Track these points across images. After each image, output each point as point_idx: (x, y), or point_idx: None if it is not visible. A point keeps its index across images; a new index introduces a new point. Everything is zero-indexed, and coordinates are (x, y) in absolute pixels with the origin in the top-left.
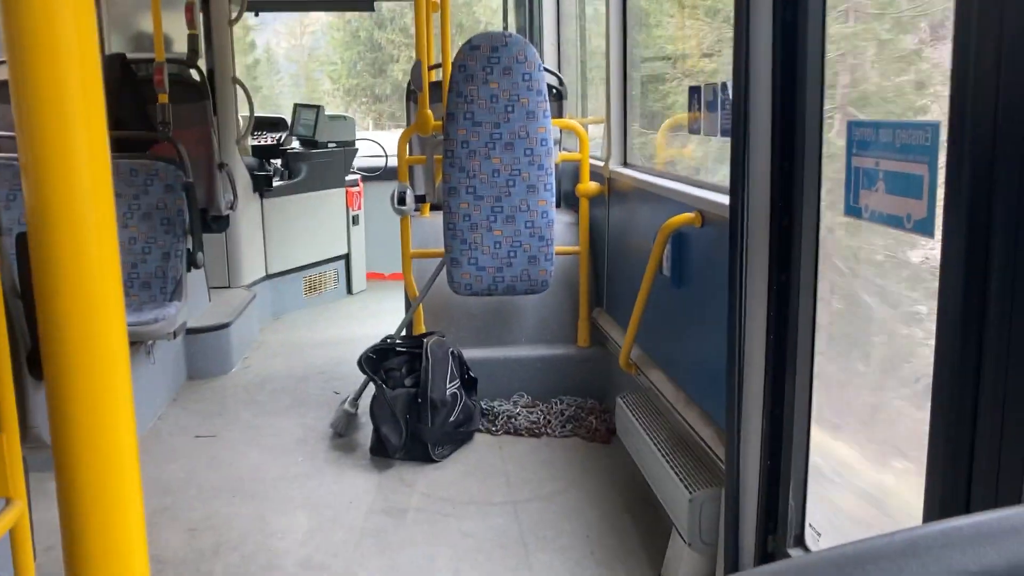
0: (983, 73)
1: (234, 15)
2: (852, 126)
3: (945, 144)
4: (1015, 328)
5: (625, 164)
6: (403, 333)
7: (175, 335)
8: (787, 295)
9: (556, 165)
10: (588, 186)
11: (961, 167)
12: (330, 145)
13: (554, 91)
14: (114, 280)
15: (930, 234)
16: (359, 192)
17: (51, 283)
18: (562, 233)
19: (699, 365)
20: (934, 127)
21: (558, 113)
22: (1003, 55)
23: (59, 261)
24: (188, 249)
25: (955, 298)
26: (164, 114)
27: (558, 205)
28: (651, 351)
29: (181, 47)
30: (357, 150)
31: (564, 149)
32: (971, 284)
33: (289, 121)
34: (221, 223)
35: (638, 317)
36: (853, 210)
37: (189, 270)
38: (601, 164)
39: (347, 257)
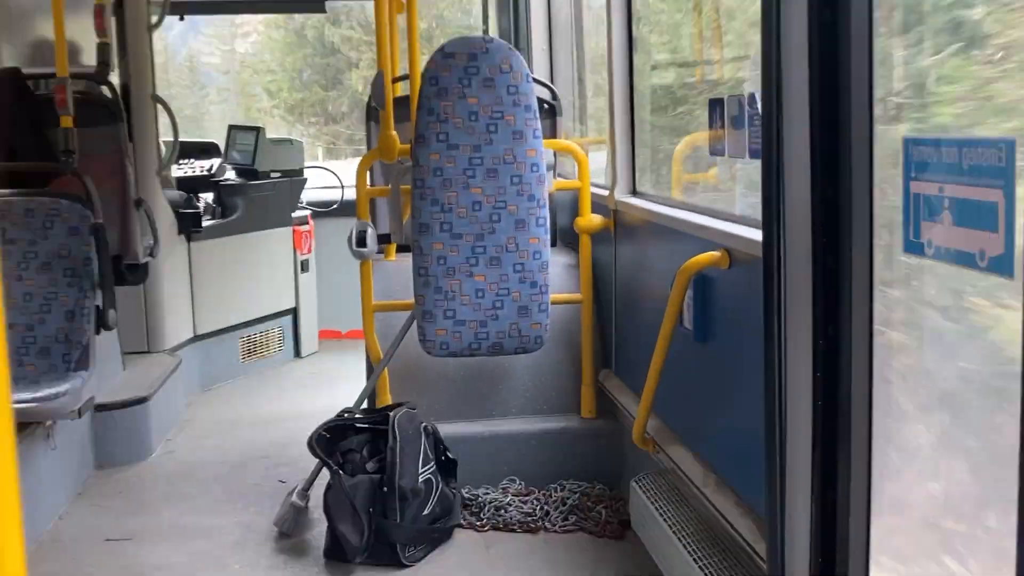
0: None
1: (154, 19)
2: (908, 144)
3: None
4: None
5: (634, 193)
6: (364, 405)
7: (80, 413)
8: (837, 352)
9: (550, 195)
10: (590, 220)
11: None
12: (273, 175)
13: (546, 106)
14: None
15: (1009, 273)
16: (309, 232)
17: None
18: (560, 278)
19: (732, 439)
20: (1009, 144)
21: (551, 133)
22: None
23: None
24: (97, 306)
25: None
26: (67, 141)
27: (554, 244)
28: (672, 423)
29: (90, 59)
30: (306, 180)
31: (559, 176)
32: None
33: (223, 146)
34: (138, 273)
35: (655, 381)
36: (913, 246)
37: (98, 332)
38: (605, 193)
39: (295, 312)
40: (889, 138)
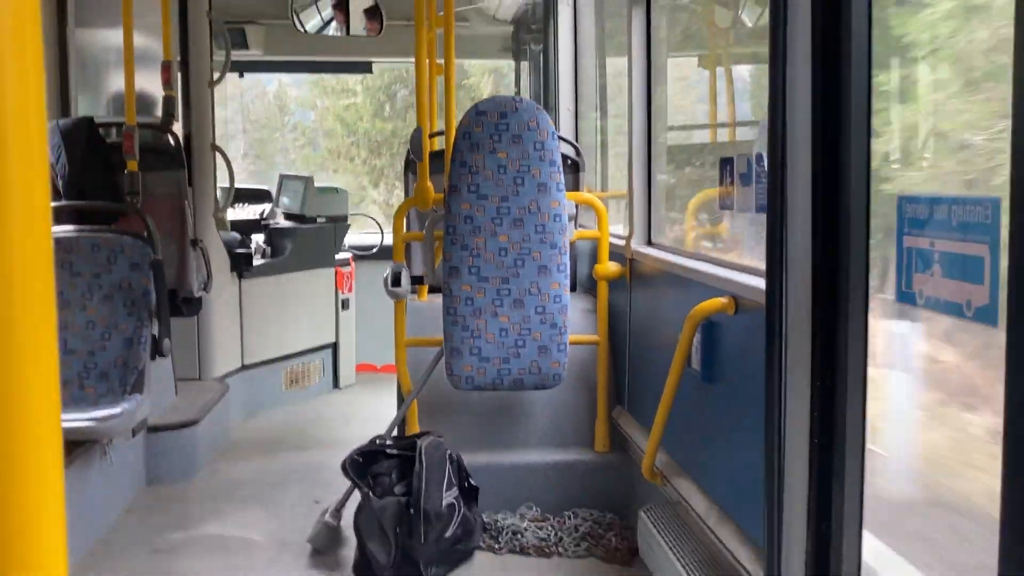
0: None
1: (216, 76)
2: (903, 202)
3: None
4: None
5: (649, 243)
6: (395, 433)
7: (134, 433)
8: (833, 395)
9: (571, 244)
10: (607, 267)
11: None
12: (319, 220)
13: (570, 162)
14: (50, 384)
15: (993, 323)
16: (350, 273)
17: None
18: (578, 321)
19: (735, 474)
20: (994, 203)
21: (574, 186)
22: None
23: None
24: (153, 335)
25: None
26: (133, 183)
27: (573, 288)
28: (679, 458)
29: (157, 110)
30: (349, 226)
31: (581, 226)
32: None
33: (274, 193)
34: (192, 306)
35: (664, 418)
36: (905, 296)
37: (154, 359)
38: (622, 243)
39: (335, 346)
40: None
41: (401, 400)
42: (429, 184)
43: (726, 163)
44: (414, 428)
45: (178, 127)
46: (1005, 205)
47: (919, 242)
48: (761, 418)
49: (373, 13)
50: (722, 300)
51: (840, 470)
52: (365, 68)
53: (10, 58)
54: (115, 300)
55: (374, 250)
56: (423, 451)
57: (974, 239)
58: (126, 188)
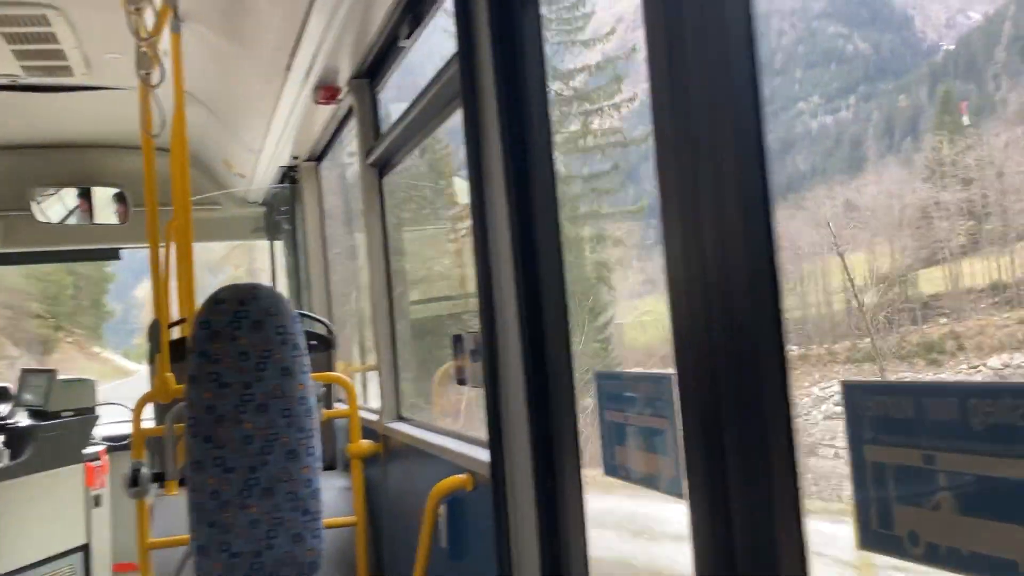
0: (699, 322)
1: None
2: (599, 378)
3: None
4: None
5: (399, 418)
6: None
7: None
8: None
9: (330, 420)
10: (359, 445)
11: (692, 420)
12: (64, 414)
13: (320, 341)
14: None
15: (678, 494)
16: (102, 467)
17: None
18: (335, 501)
19: None
20: (667, 378)
21: (327, 363)
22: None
23: None
24: None
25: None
26: None
27: (333, 467)
28: None
29: None
30: (97, 417)
31: (338, 401)
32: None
33: (14, 390)
34: None
35: None
36: (613, 469)
37: None
38: (376, 418)
39: (86, 548)
40: None
41: None
42: (170, 375)
43: (457, 339)
44: None
45: None
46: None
47: (617, 416)
48: None
49: (120, 200)
50: (461, 477)
51: None
52: (113, 255)
53: None
54: None
55: (129, 441)
56: None
57: (657, 413)
58: None
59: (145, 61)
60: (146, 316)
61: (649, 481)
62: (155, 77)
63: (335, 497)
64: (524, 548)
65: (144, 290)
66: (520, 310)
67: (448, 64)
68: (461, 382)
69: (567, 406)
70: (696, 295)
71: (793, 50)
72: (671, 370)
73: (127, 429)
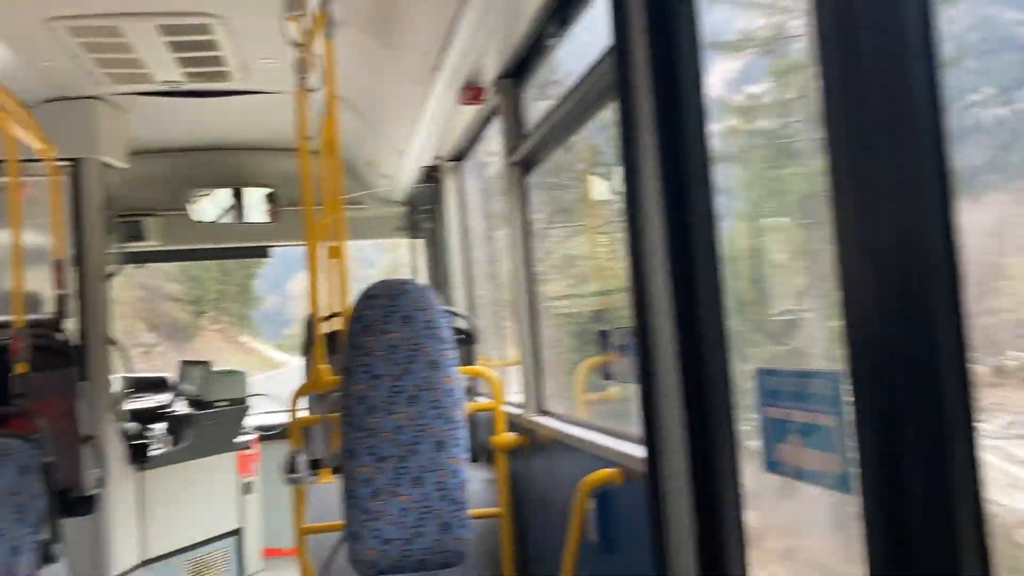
0: (874, 320)
1: (109, 270)
2: (762, 374)
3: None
4: None
5: (542, 412)
6: None
7: None
8: (720, 564)
9: (472, 414)
10: (504, 438)
11: (864, 418)
12: (219, 404)
13: (464, 335)
14: None
15: (847, 490)
16: (254, 455)
17: None
18: (480, 493)
19: None
20: (835, 375)
21: (468, 358)
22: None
23: None
24: (45, 540)
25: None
26: (23, 385)
27: (475, 459)
28: None
29: (48, 307)
30: (248, 407)
31: (479, 395)
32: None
33: (173, 380)
34: (85, 505)
35: None
36: (773, 466)
37: (42, 566)
38: (521, 412)
39: (239, 533)
40: None
41: None
42: (325, 367)
43: (604, 335)
44: None
45: (71, 323)
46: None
47: (777, 413)
48: None
49: (270, 200)
50: (610, 470)
51: None
52: (261, 253)
53: None
54: (2, 507)
55: (279, 431)
56: None
57: (822, 410)
58: (15, 390)
59: (301, 67)
60: (299, 309)
61: (813, 477)
62: (311, 82)
63: (479, 488)
64: (680, 545)
65: (297, 284)
66: (674, 305)
67: (600, 59)
68: (607, 377)
69: (724, 403)
70: (870, 291)
71: (965, 38)
72: (838, 367)
73: (275, 420)
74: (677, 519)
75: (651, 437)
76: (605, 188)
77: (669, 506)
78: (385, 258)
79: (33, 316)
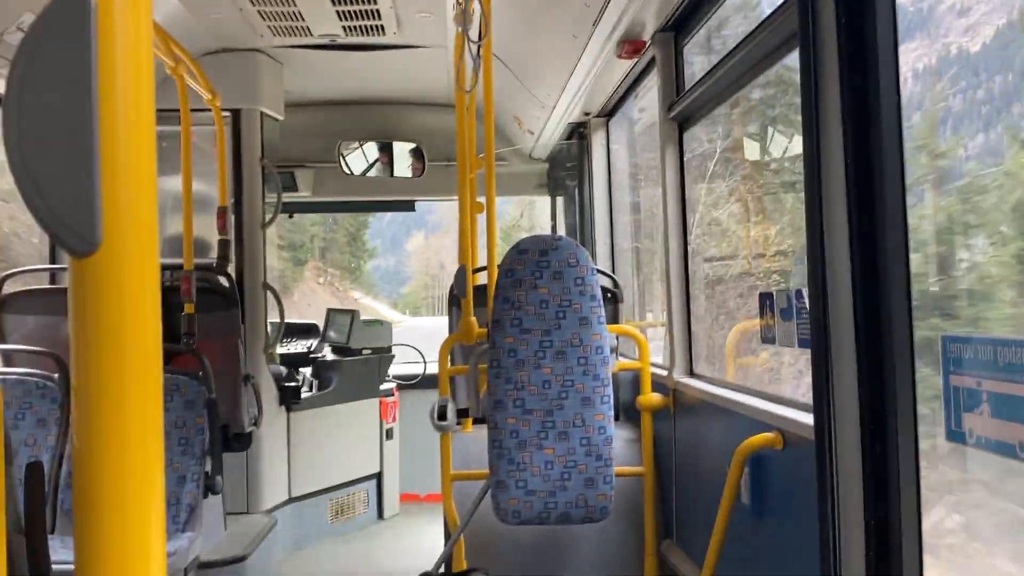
0: None
1: (268, 218)
2: (946, 342)
3: None
4: None
5: (691, 374)
6: (441, 569)
7: (186, 573)
8: (887, 533)
9: (613, 374)
10: (650, 398)
11: None
12: (364, 352)
13: (609, 294)
14: (158, 508)
15: None
16: (394, 403)
17: (94, 514)
18: (623, 451)
19: None
20: None
21: (614, 318)
22: None
23: (103, 487)
24: (206, 472)
25: None
26: (189, 325)
27: (618, 418)
28: None
29: (212, 252)
30: (393, 356)
31: (622, 355)
32: None
33: (321, 327)
34: (244, 441)
35: (715, 554)
36: (955, 435)
37: (206, 496)
38: (664, 373)
39: (379, 476)
40: None
41: (448, 535)
42: (473, 319)
43: (766, 298)
44: (461, 564)
45: (231, 268)
46: None
47: (965, 381)
48: (815, 554)
49: (416, 155)
50: (770, 435)
51: None
52: (408, 207)
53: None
54: (170, 438)
55: (416, 380)
56: None
57: (1022, 380)
58: (182, 329)
59: (461, 19)
60: (415, 266)
61: (1003, 448)
62: (472, 34)
63: (621, 447)
64: (848, 513)
65: (415, 243)
66: (853, 268)
67: (778, 8)
68: (768, 340)
69: (904, 371)
70: None
71: None
72: None
73: (414, 369)
74: (846, 487)
75: (822, 404)
76: (757, 148)
77: (839, 475)
78: (511, 212)
79: (199, 260)
